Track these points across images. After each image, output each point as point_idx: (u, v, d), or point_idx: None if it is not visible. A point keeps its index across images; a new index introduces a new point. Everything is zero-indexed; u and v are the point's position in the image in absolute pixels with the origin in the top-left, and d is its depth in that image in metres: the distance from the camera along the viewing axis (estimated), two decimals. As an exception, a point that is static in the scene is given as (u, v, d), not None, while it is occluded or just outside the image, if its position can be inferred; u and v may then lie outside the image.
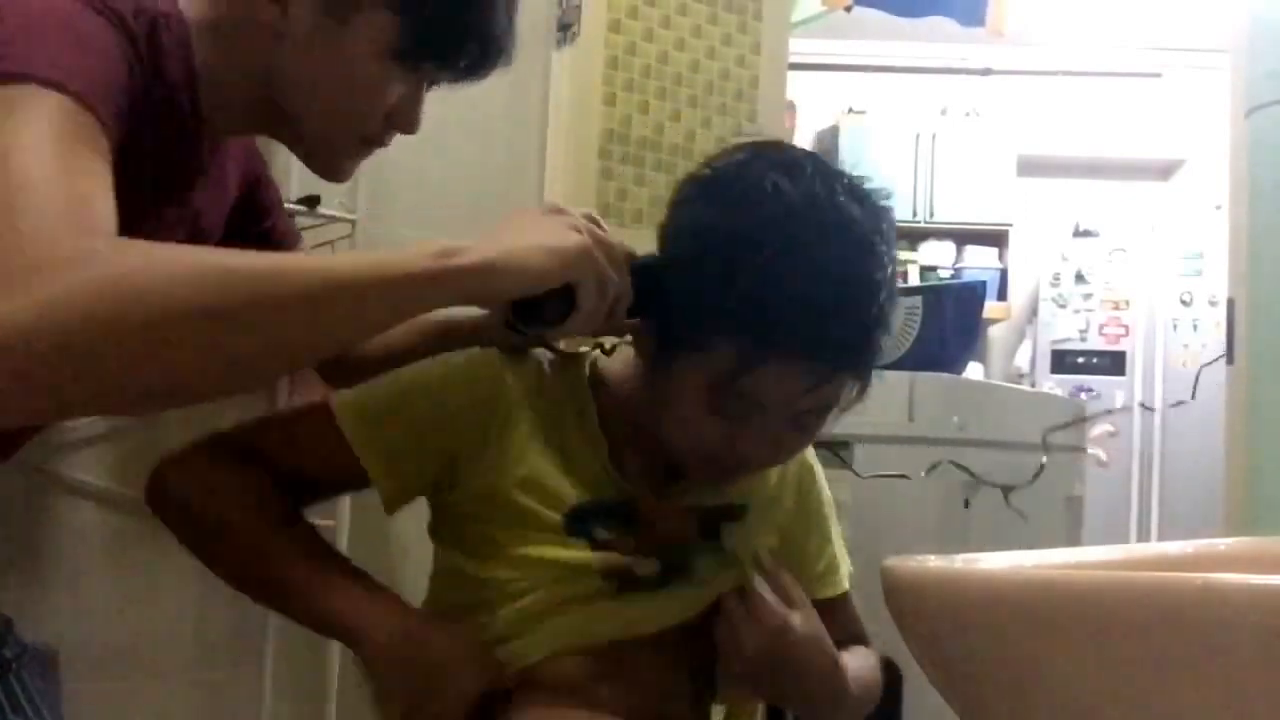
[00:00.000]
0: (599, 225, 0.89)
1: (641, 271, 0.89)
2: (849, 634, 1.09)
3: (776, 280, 0.83)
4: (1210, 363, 2.34)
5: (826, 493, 1.12)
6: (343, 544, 1.69)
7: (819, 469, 1.12)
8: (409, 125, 0.95)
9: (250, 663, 1.76)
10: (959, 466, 1.92)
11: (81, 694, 1.56)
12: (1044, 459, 1.97)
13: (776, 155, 0.91)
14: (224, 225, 1.06)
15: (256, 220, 1.12)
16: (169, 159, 0.90)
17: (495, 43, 0.92)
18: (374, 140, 0.95)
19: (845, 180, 0.90)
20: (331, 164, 0.96)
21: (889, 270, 0.88)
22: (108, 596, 1.65)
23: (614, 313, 0.88)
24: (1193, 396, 2.66)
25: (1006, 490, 1.88)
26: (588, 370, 1.00)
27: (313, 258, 0.81)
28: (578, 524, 0.94)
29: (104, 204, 0.70)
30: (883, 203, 0.91)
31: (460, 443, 0.94)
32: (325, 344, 0.78)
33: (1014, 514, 2.04)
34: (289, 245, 1.15)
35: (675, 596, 0.96)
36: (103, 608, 1.64)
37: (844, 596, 1.11)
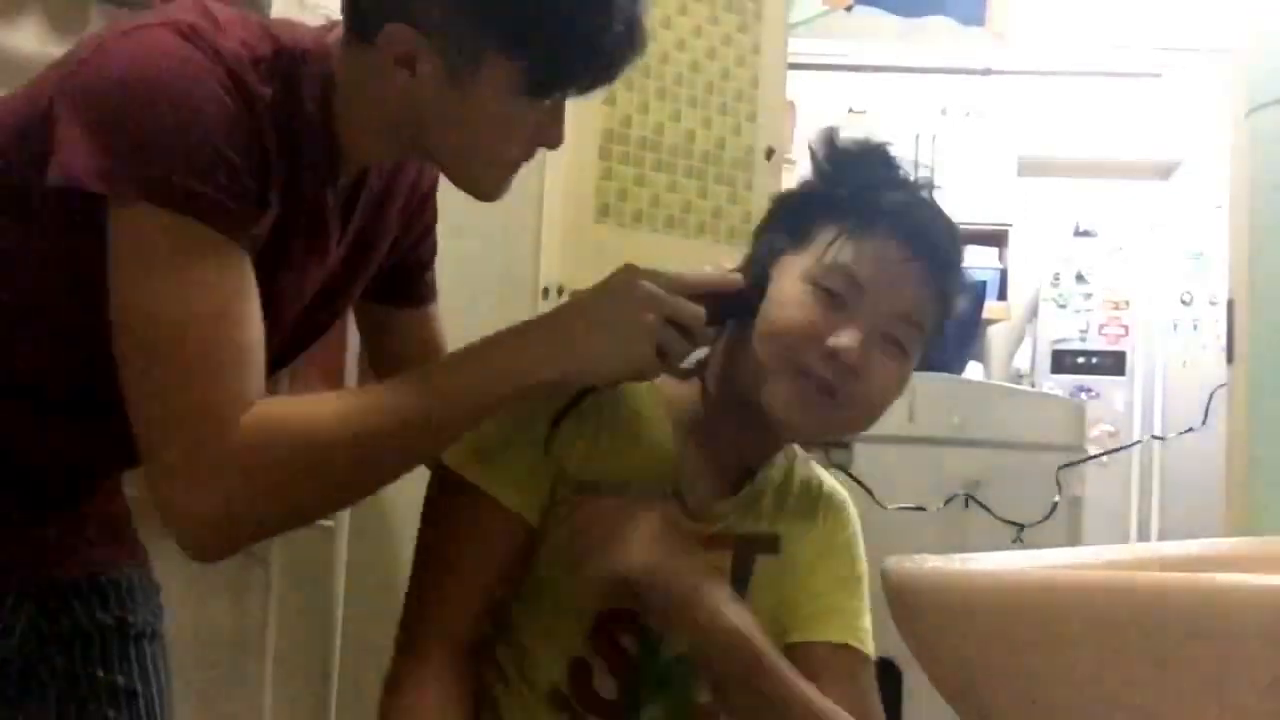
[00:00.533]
0: (670, 282, 0.93)
1: (726, 297, 0.97)
2: (848, 703, 1.01)
3: (882, 183, 0.99)
4: (1220, 387, 2.35)
5: (860, 559, 1.10)
6: (342, 544, 1.69)
7: (859, 539, 1.10)
8: (554, 142, 0.97)
9: (250, 663, 1.76)
10: (976, 501, 1.93)
11: (81, 694, 1.56)
12: (1056, 498, 1.98)
13: None
14: (383, 262, 1.09)
15: (420, 268, 1.16)
16: (300, 194, 0.92)
17: (620, 47, 0.92)
18: (521, 160, 0.97)
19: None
20: (479, 190, 0.98)
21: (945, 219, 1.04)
22: (107, 596, 1.65)
23: (697, 345, 0.96)
24: (1204, 422, 2.65)
25: (1020, 529, 1.89)
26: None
27: (419, 400, 0.88)
28: None
29: (257, 360, 0.83)
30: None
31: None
32: (423, 458, 0.96)
33: (1014, 514, 2.05)
34: (432, 299, 1.19)
35: None
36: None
37: (848, 651, 1.05)
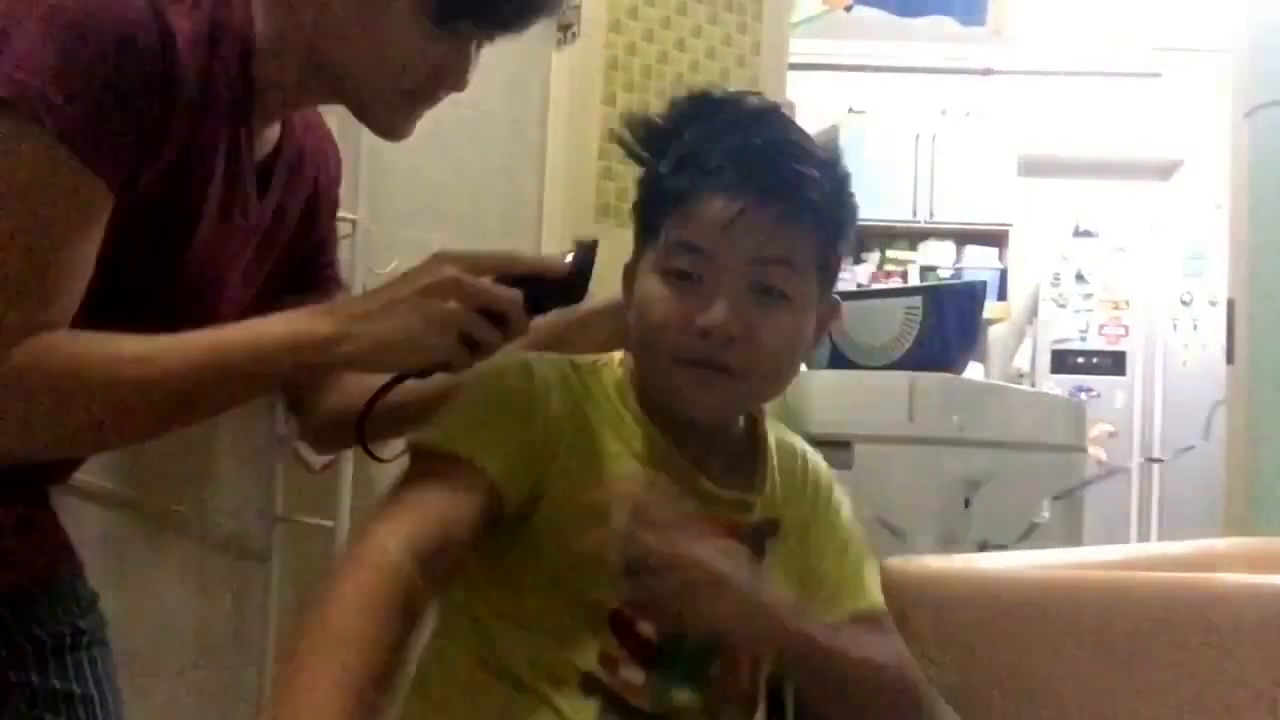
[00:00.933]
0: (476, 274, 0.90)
1: (542, 280, 0.93)
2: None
3: (694, 149, 0.92)
4: (1219, 404, 2.35)
5: (848, 514, 1.09)
6: (342, 544, 1.69)
7: (839, 494, 1.09)
8: (456, 83, 0.95)
9: (250, 663, 1.76)
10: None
11: (81, 694, 1.56)
12: (1045, 515, 1.98)
13: None
14: (286, 245, 1.07)
15: (318, 250, 1.15)
16: (215, 133, 0.90)
17: None
18: (423, 97, 0.96)
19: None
20: (383, 119, 0.97)
21: (801, 134, 0.96)
22: (108, 596, 1.64)
23: (518, 335, 0.93)
24: (1205, 437, 2.65)
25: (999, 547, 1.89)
26: (623, 377, 1.00)
27: (201, 350, 0.86)
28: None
29: (68, 294, 0.81)
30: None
31: (557, 435, 0.93)
32: (206, 414, 0.95)
33: (1014, 514, 2.05)
34: (336, 290, 1.16)
35: None
36: (103, 608, 1.64)
37: (867, 614, 1.01)
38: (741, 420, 1.05)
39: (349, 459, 1.62)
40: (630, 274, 0.99)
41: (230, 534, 1.75)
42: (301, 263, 1.12)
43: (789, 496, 1.04)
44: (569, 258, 0.94)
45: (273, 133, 1.00)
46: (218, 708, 1.75)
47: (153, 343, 0.84)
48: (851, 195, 0.97)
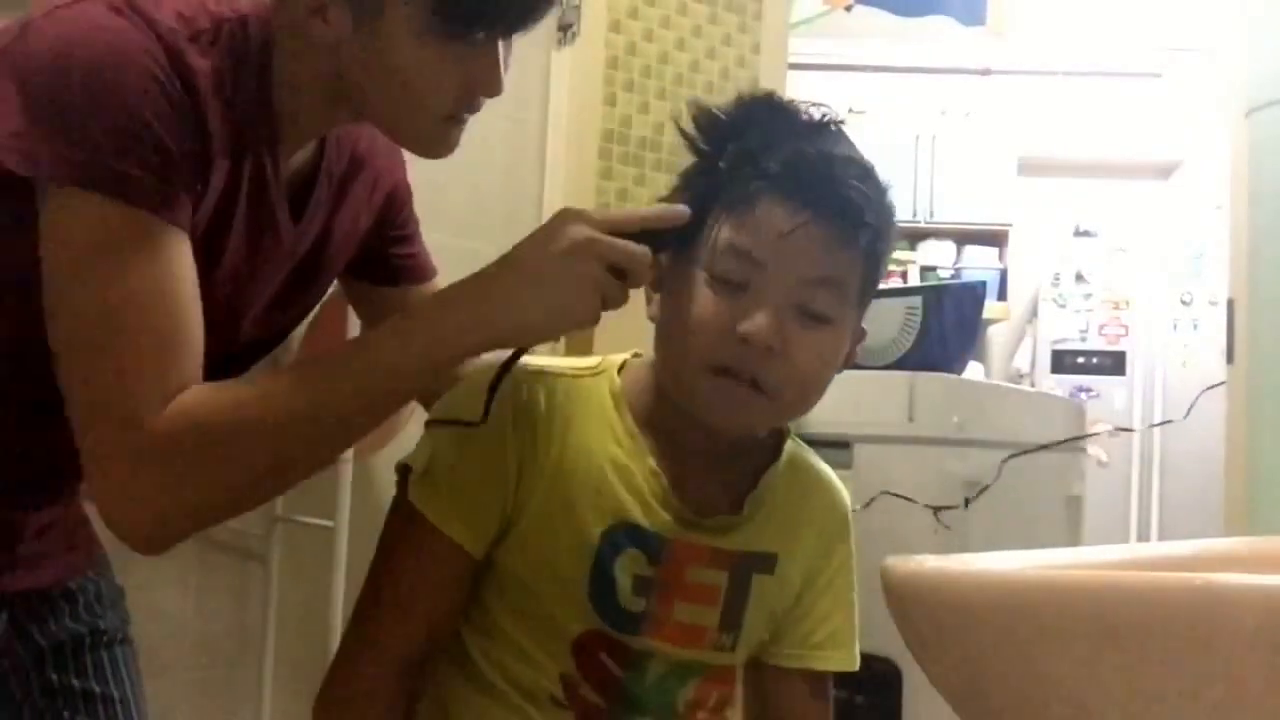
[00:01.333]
0: (608, 226, 0.88)
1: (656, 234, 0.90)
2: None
3: (758, 152, 0.89)
4: (1213, 387, 2.35)
5: (854, 564, 1.05)
6: (342, 544, 1.69)
7: (853, 547, 1.05)
8: (491, 89, 0.92)
9: (250, 663, 1.76)
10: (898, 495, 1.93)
11: (81, 694, 1.56)
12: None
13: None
14: (358, 248, 1.06)
15: (398, 245, 1.12)
16: (243, 166, 0.90)
17: None
18: (457, 113, 0.93)
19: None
20: (422, 146, 0.95)
21: (859, 153, 0.94)
22: (108, 596, 1.65)
23: (636, 286, 0.91)
24: (1186, 416, 2.66)
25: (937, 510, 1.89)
26: (618, 383, 0.97)
27: (334, 379, 0.85)
28: (610, 547, 0.92)
29: (190, 346, 0.82)
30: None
31: (519, 459, 0.92)
32: (357, 437, 0.92)
33: (1014, 514, 2.04)
34: (424, 278, 1.14)
35: None
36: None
37: (828, 677, 1.03)
38: (763, 438, 1.01)
39: (349, 459, 1.62)
40: (659, 266, 0.93)
41: (230, 534, 1.75)
42: (386, 260, 1.10)
43: (797, 534, 1.00)
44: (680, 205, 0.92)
45: (306, 153, 0.98)
46: (218, 708, 1.75)
47: (301, 377, 0.86)
48: (894, 216, 0.94)
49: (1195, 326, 4.85)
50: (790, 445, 1.03)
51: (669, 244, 0.91)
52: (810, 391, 0.92)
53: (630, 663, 0.94)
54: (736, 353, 0.87)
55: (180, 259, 0.81)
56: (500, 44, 0.91)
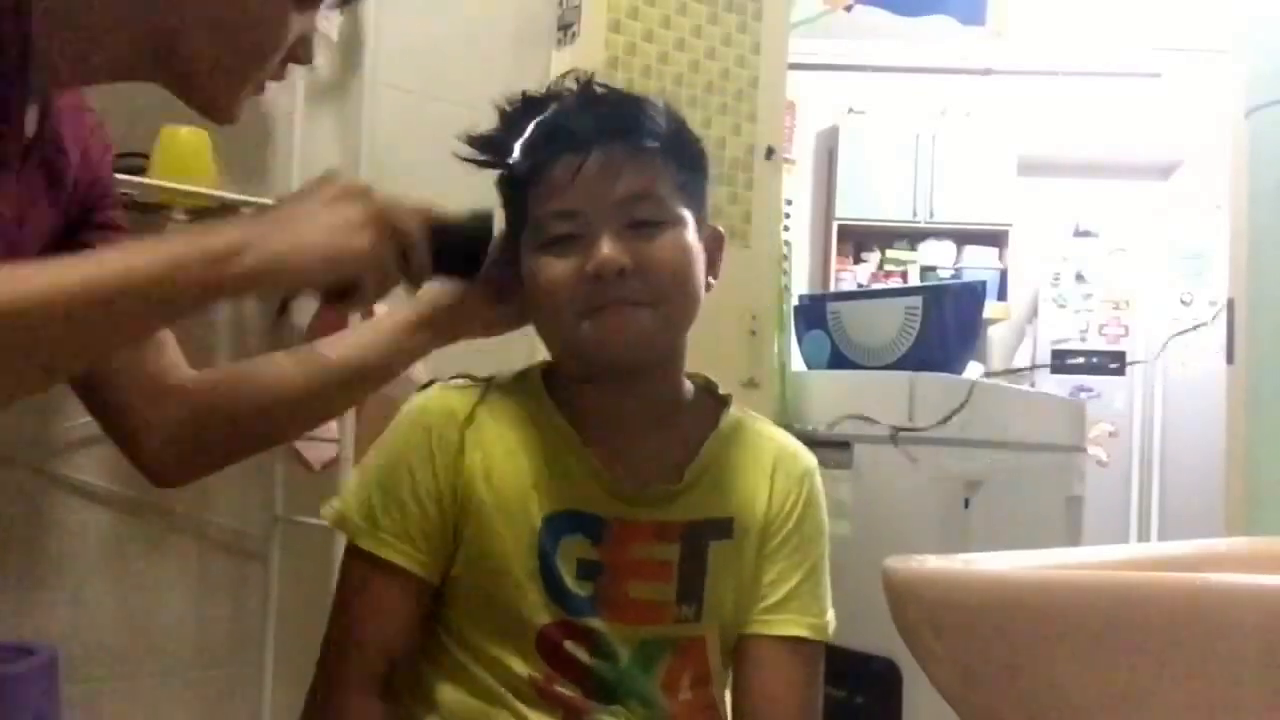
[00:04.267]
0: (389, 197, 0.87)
1: (445, 230, 0.92)
2: (786, 697, 0.98)
3: (532, 133, 0.96)
4: (1182, 333, 2.34)
5: (821, 532, 1.03)
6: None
7: (818, 507, 1.04)
8: (308, 58, 0.92)
9: (250, 663, 1.76)
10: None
11: (81, 694, 1.56)
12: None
13: None
14: (61, 217, 0.95)
15: (95, 210, 1.00)
16: None
17: None
18: (276, 76, 0.91)
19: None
20: (219, 109, 0.90)
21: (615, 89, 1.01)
22: (108, 596, 1.65)
23: (417, 280, 0.92)
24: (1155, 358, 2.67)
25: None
26: (540, 379, 1.01)
27: (89, 261, 0.74)
28: (549, 537, 0.94)
29: None
30: None
31: (451, 481, 0.95)
32: (99, 353, 0.80)
33: (1014, 514, 2.05)
34: (118, 238, 1.01)
35: None
36: (103, 608, 1.64)
37: (805, 645, 0.99)
38: (690, 397, 1.02)
39: (349, 459, 1.62)
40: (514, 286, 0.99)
41: (230, 534, 1.75)
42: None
43: (752, 497, 1.00)
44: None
45: (34, 112, 0.88)
46: (218, 707, 1.75)
47: (31, 267, 0.72)
48: (686, 124, 1.00)
49: (1195, 327, 4.85)
50: (734, 413, 1.04)
51: (457, 261, 0.95)
52: (685, 289, 0.95)
53: (598, 650, 0.95)
54: (596, 291, 0.91)
55: None
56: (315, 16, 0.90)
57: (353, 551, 0.96)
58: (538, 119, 0.97)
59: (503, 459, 0.95)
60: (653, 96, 1.00)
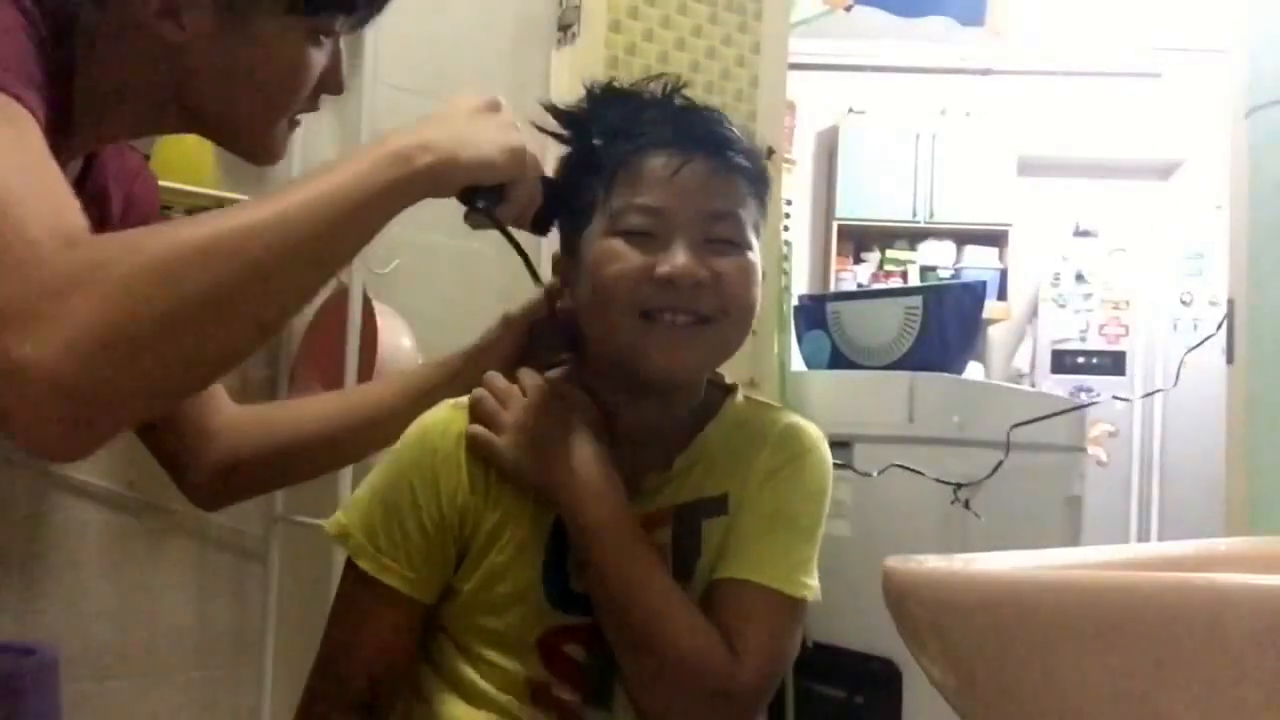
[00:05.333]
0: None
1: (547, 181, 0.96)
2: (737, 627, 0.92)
3: (624, 121, 0.95)
4: (1194, 346, 2.34)
5: (813, 498, 0.99)
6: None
7: (815, 480, 1.00)
8: (339, 87, 0.93)
9: (250, 663, 1.76)
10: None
11: (81, 694, 1.56)
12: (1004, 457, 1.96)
13: None
14: None
15: None
16: None
17: None
18: (302, 112, 0.93)
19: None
20: (261, 151, 0.93)
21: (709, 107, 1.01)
22: (108, 596, 1.65)
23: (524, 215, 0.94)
24: (1175, 384, 2.67)
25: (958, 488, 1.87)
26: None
27: (276, 201, 0.74)
28: (557, 542, 0.93)
29: (73, 203, 0.70)
30: None
31: (456, 507, 0.94)
32: (326, 276, 0.80)
33: (1014, 514, 2.04)
34: None
35: None
36: (103, 608, 1.64)
37: (776, 596, 0.93)
38: (696, 401, 1.01)
39: (349, 459, 1.62)
40: (564, 262, 0.99)
41: (230, 534, 1.75)
42: None
43: (748, 473, 0.98)
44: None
45: (76, 164, 0.92)
46: (217, 707, 1.75)
47: (234, 208, 0.74)
48: (763, 155, 1.01)
49: (1195, 326, 4.85)
50: (739, 401, 1.03)
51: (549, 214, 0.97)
52: (748, 313, 0.94)
53: (596, 647, 0.94)
54: (663, 294, 0.89)
55: (34, 129, 0.72)
56: (338, 44, 0.92)
57: (351, 566, 0.96)
58: (630, 109, 0.97)
59: (505, 478, 0.94)
60: (738, 125, 1.00)
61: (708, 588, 0.95)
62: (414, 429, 0.96)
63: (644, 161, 0.92)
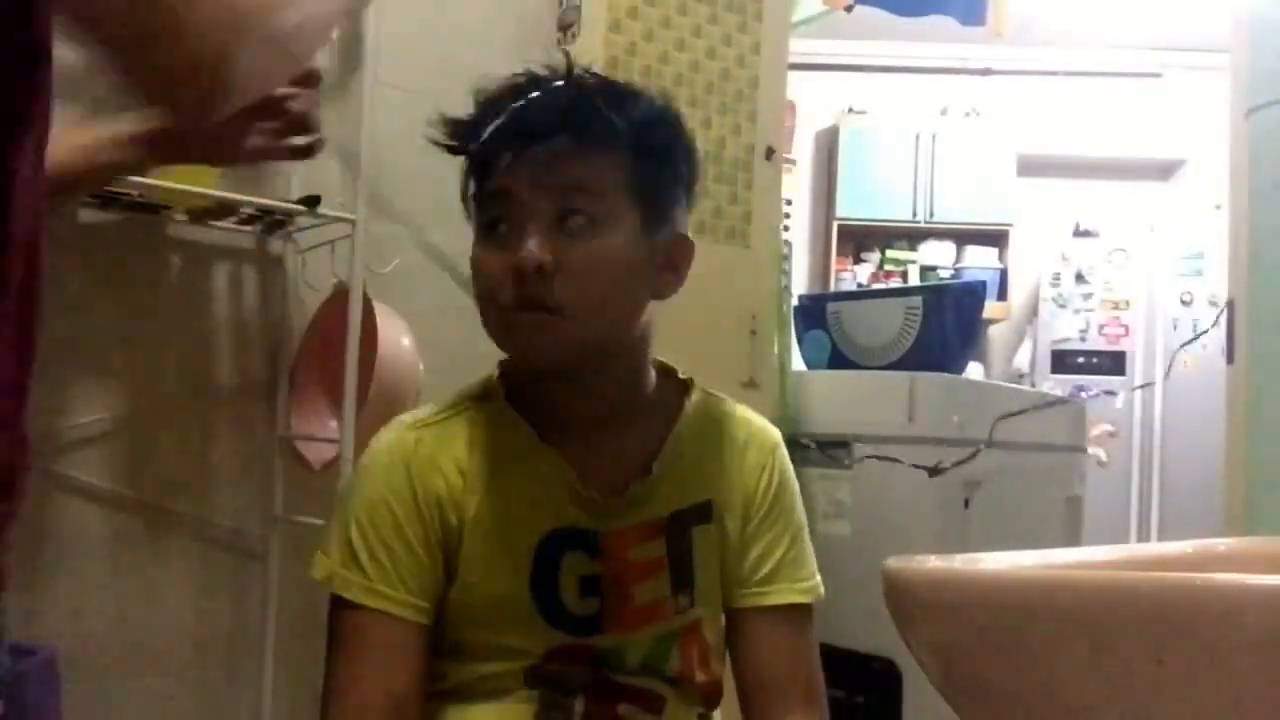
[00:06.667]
0: None
1: None
2: (788, 663, 1.00)
3: (479, 124, 0.93)
4: (1187, 342, 2.34)
5: (795, 501, 1.04)
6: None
7: (790, 475, 1.05)
8: None
9: (250, 663, 1.76)
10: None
11: (81, 694, 1.56)
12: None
13: None
14: None
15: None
16: None
17: None
18: None
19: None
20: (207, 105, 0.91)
21: (601, 78, 0.98)
22: (108, 596, 1.65)
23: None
24: (1166, 376, 2.68)
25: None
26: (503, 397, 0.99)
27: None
28: (548, 556, 0.93)
29: None
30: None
31: (442, 518, 0.93)
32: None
33: (1014, 514, 2.05)
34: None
35: None
36: (103, 608, 1.64)
37: (794, 610, 1.01)
38: (653, 387, 1.01)
39: (349, 459, 1.62)
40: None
41: (230, 534, 1.75)
42: None
43: (725, 475, 1.00)
44: None
45: None
46: (217, 707, 1.75)
47: None
48: (671, 126, 0.96)
49: (1195, 327, 4.85)
50: (698, 398, 1.03)
51: None
52: (606, 298, 0.91)
53: (602, 663, 0.95)
54: (518, 289, 0.89)
55: None
56: None
57: (341, 603, 0.92)
58: (497, 101, 0.94)
59: (484, 485, 0.94)
60: (647, 90, 0.97)
61: (741, 615, 1.00)
62: (375, 457, 0.94)
63: (496, 153, 0.91)
